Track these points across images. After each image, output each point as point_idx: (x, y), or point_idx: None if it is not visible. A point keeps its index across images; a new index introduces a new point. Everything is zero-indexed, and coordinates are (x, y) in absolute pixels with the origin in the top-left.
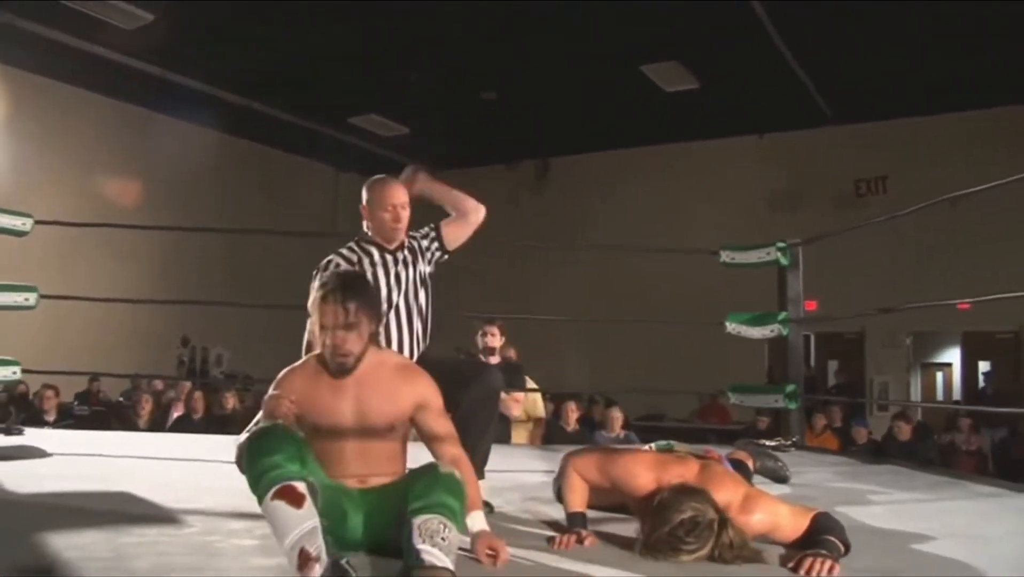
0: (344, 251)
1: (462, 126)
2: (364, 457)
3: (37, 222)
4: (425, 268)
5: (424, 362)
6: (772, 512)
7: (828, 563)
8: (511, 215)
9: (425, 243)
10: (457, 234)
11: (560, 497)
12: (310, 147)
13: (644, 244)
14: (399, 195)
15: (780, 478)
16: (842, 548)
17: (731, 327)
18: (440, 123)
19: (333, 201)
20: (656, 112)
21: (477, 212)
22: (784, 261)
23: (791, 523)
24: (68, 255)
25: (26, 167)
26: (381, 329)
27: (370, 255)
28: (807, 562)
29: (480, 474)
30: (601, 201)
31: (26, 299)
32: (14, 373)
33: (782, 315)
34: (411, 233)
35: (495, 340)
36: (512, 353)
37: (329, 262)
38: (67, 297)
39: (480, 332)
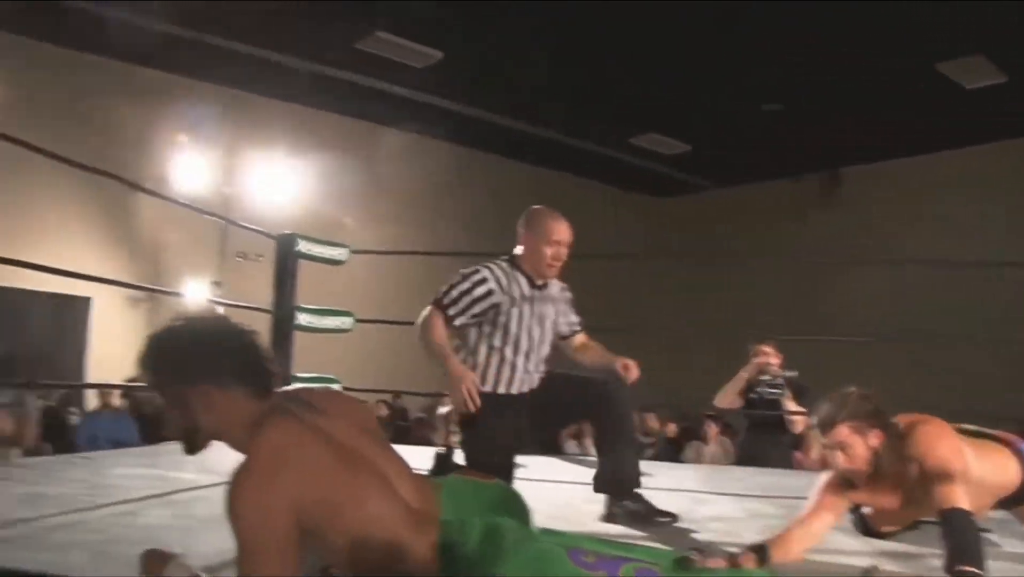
0: (496, 269)
1: (745, 140)
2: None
3: (353, 252)
4: (561, 321)
5: (548, 379)
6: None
7: None
8: (797, 232)
9: (570, 309)
10: (569, 350)
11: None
12: (592, 169)
13: (949, 258)
14: (565, 232)
15: None
16: None
17: None
18: (722, 138)
19: (616, 222)
20: (957, 112)
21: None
22: None
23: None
24: (377, 281)
25: (335, 201)
26: (508, 363)
27: (520, 285)
28: None
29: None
30: (898, 212)
31: (343, 323)
32: None
33: None
34: (566, 286)
35: (769, 359)
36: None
37: (476, 271)
38: (377, 321)
39: (752, 352)
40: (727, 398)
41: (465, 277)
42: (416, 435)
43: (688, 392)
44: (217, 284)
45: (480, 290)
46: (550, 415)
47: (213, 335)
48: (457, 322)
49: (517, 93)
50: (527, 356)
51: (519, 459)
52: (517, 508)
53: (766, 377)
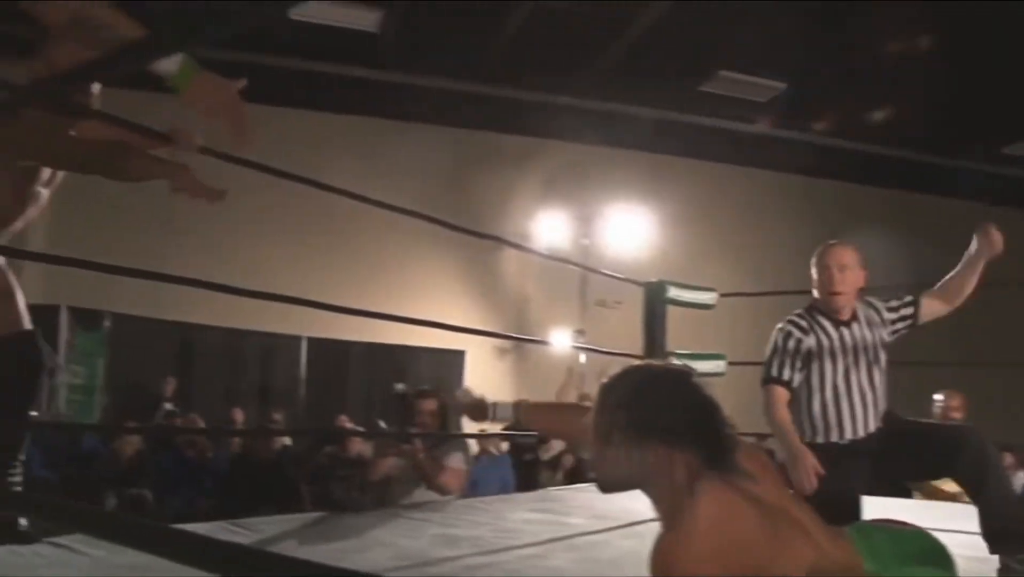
0: (795, 318)
1: None
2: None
3: (722, 295)
4: (884, 339)
5: (891, 426)
6: None
7: None
8: None
9: (891, 315)
10: (938, 313)
11: None
12: (957, 186)
13: None
14: (837, 255)
15: None
16: None
17: None
18: None
19: None
20: None
21: (963, 298)
22: None
23: None
24: (732, 321)
25: (687, 243)
26: (831, 409)
27: (823, 328)
28: None
29: None
30: None
31: (717, 367)
32: None
33: None
34: (870, 300)
35: None
36: None
37: (778, 329)
38: (749, 363)
39: None
40: None
41: (775, 344)
42: (782, 479)
43: None
44: (580, 332)
45: (791, 344)
46: (896, 467)
47: (687, 398)
48: (795, 383)
49: (869, 115)
50: (850, 399)
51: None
52: (940, 559)
53: None
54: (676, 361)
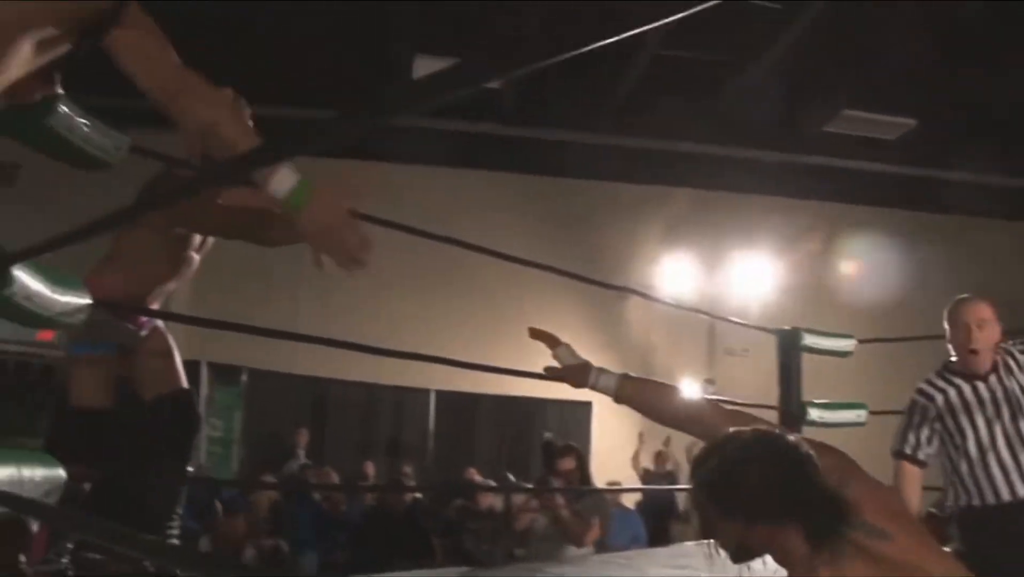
0: (925, 386)
1: None
2: None
3: (860, 341)
4: None
5: None
6: None
7: None
8: None
9: None
10: None
11: None
12: None
13: None
14: (973, 311)
15: None
16: None
17: None
18: None
19: None
20: None
21: None
22: None
23: None
24: (868, 369)
25: (817, 289)
26: (979, 468)
27: (957, 388)
28: None
29: None
30: None
31: (859, 416)
32: None
33: None
34: (1003, 346)
35: None
36: None
37: (914, 402)
38: (890, 412)
39: None
40: None
41: (904, 413)
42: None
43: None
44: (710, 382)
45: (916, 414)
46: None
47: (778, 477)
48: (921, 456)
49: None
50: (997, 455)
51: None
52: None
53: None
54: (811, 411)
